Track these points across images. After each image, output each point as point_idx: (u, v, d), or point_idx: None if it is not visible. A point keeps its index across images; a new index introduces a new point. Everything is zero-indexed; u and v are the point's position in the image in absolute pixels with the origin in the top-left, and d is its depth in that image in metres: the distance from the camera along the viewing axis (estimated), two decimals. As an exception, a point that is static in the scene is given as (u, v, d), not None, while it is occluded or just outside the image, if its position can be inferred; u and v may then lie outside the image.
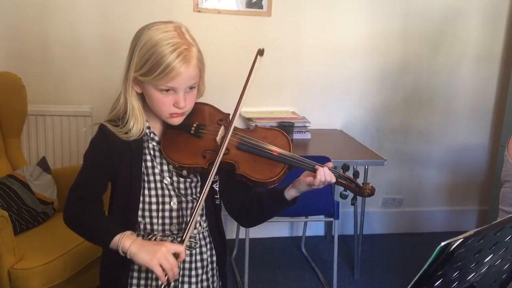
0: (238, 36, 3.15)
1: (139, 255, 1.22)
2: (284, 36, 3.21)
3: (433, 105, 3.53)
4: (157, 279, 1.40)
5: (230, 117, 1.39)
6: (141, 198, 1.38)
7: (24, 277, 2.12)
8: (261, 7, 3.14)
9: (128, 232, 1.27)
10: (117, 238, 1.25)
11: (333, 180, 1.33)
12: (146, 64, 1.28)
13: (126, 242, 1.23)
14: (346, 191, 1.36)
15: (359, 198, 1.43)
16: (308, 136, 3.08)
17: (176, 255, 1.23)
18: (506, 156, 1.84)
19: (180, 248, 1.24)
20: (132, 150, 1.36)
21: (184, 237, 1.26)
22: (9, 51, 2.92)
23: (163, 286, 1.23)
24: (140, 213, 1.39)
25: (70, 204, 1.35)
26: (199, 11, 3.07)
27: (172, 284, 1.42)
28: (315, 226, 3.56)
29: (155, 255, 1.20)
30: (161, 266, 1.20)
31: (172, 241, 1.35)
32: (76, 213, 1.34)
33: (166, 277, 1.21)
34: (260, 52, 1.35)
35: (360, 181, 1.39)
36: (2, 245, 2.08)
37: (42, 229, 2.48)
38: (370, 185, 1.36)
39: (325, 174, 1.31)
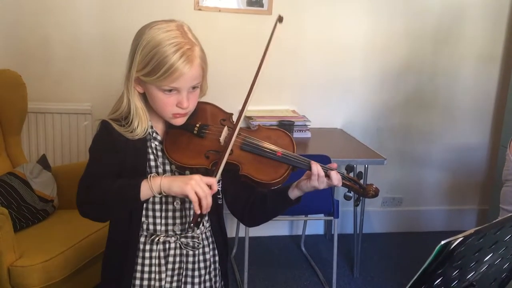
0: (238, 35, 3.15)
1: (173, 185, 1.22)
2: (284, 35, 3.20)
3: (434, 105, 3.53)
4: (160, 279, 1.40)
5: (236, 117, 1.36)
6: None
7: (24, 274, 2.12)
8: (262, 6, 3.14)
9: (152, 174, 1.27)
10: (145, 185, 1.23)
11: (337, 183, 1.32)
12: (149, 64, 1.26)
13: (155, 181, 1.23)
14: (350, 192, 1.35)
15: (359, 197, 1.43)
16: (308, 135, 3.08)
17: (208, 186, 1.22)
18: (508, 155, 1.84)
19: (212, 180, 1.23)
20: (136, 149, 1.34)
21: (216, 172, 1.25)
22: (9, 49, 2.92)
23: (194, 217, 1.25)
24: (144, 213, 1.38)
25: (82, 194, 1.30)
26: (199, 9, 3.07)
27: (175, 284, 1.42)
28: (314, 225, 3.57)
29: (189, 181, 1.20)
30: (196, 194, 1.20)
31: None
32: (91, 194, 1.28)
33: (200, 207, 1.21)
34: (280, 19, 1.30)
35: (362, 181, 1.38)
36: (2, 242, 2.09)
37: (42, 226, 2.48)
38: (374, 186, 1.35)
39: (318, 171, 1.29)
